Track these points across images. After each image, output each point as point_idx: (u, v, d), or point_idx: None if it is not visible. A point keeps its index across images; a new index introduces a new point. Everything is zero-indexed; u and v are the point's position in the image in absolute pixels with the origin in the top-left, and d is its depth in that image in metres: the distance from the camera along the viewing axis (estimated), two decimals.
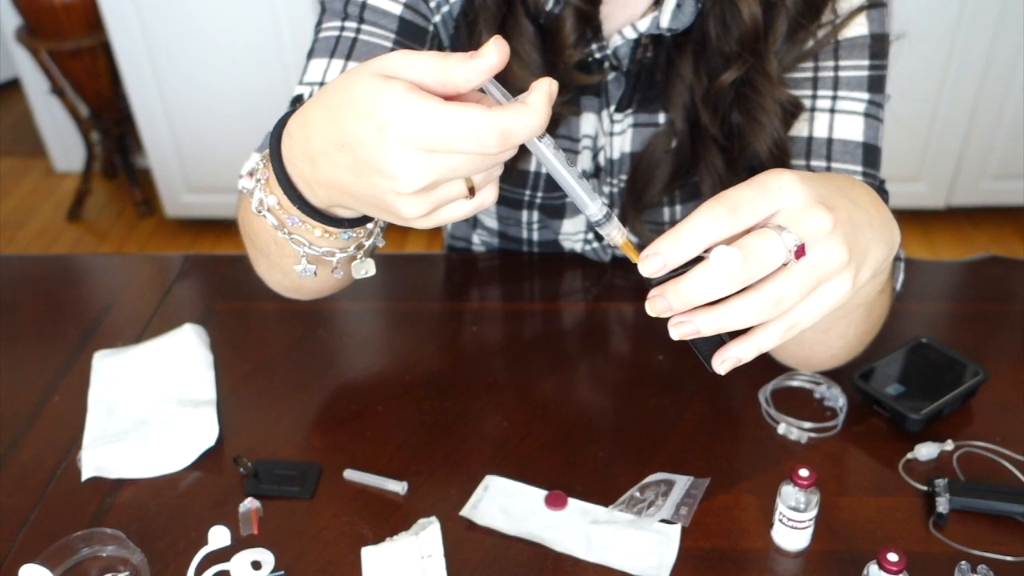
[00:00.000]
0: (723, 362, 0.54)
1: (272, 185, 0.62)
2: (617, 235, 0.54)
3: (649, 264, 0.50)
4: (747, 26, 0.81)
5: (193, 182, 2.73)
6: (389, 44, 0.84)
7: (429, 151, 0.49)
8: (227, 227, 2.80)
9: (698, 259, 0.51)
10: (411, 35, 0.86)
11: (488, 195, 0.55)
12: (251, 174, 0.65)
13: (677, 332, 0.52)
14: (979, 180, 2.61)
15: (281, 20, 2.41)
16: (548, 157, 0.52)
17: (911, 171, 2.59)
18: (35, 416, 0.91)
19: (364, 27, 0.84)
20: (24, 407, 0.92)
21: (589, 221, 0.54)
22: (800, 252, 0.51)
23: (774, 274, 0.51)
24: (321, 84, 0.83)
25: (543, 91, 0.49)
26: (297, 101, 0.85)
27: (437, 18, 0.87)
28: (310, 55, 0.86)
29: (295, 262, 0.68)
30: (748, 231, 0.51)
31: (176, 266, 1.13)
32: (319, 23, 0.87)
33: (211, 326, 1.01)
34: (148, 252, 2.73)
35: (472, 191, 0.54)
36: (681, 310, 0.51)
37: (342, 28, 0.85)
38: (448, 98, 0.49)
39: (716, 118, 0.88)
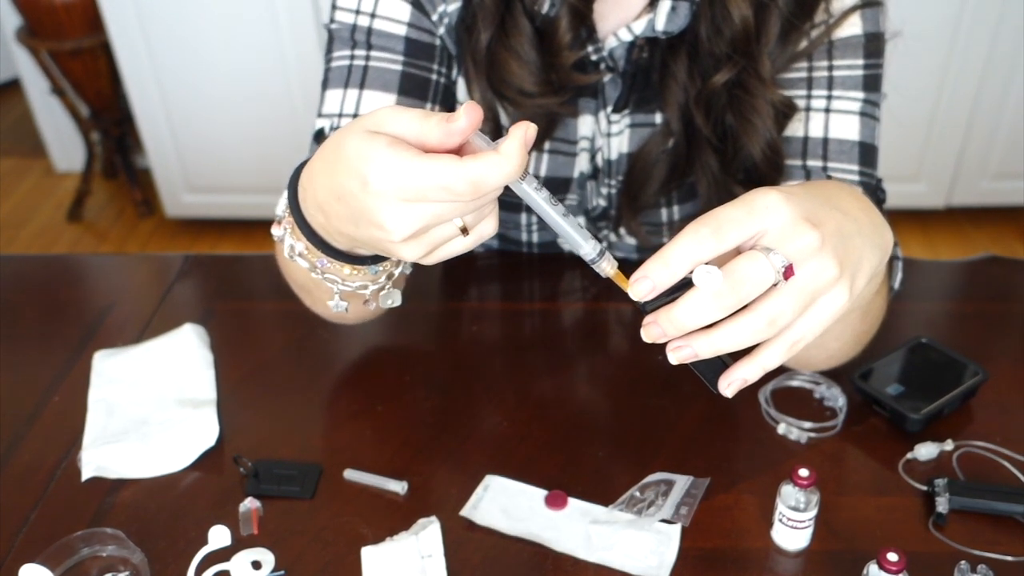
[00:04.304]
0: (729, 384, 0.55)
1: (297, 232, 0.65)
2: (608, 267, 0.55)
3: (639, 288, 0.51)
4: (738, 28, 0.81)
5: (193, 182, 2.73)
6: (398, 67, 0.86)
7: (409, 201, 0.51)
8: (227, 227, 2.80)
9: (691, 283, 0.51)
10: (419, 54, 0.87)
11: (486, 228, 0.57)
12: (279, 222, 0.68)
13: (675, 357, 0.53)
14: (979, 180, 2.61)
15: (281, 20, 2.41)
16: (532, 198, 0.53)
17: (911, 171, 2.59)
18: (35, 416, 0.91)
19: (373, 53, 0.85)
20: (24, 407, 0.92)
21: (583, 259, 0.55)
22: (789, 272, 0.51)
23: (767, 294, 0.51)
24: (340, 116, 0.85)
25: (517, 138, 0.50)
26: (319, 135, 0.86)
27: (442, 30, 0.87)
28: (325, 85, 0.88)
29: (331, 298, 0.71)
30: (737, 252, 0.52)
31: (176, 266, 1.13)
32: (328, 52, 0.88)
33: (211, 326, 1.01)
34: (148, 252, 2.73)
35: (465, 230, 0.55)
36: (675, 336, 0.52)
37: (352, 57, 0.86)
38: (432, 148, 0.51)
39: (709, 120, 0.88)
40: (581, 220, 1.01)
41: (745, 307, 0.51)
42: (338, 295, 0.70)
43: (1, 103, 3.60)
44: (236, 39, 2.46)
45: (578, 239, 0.54)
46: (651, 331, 0.52)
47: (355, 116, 0.84)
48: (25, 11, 2.59)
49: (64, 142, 3.12)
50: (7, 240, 2.85)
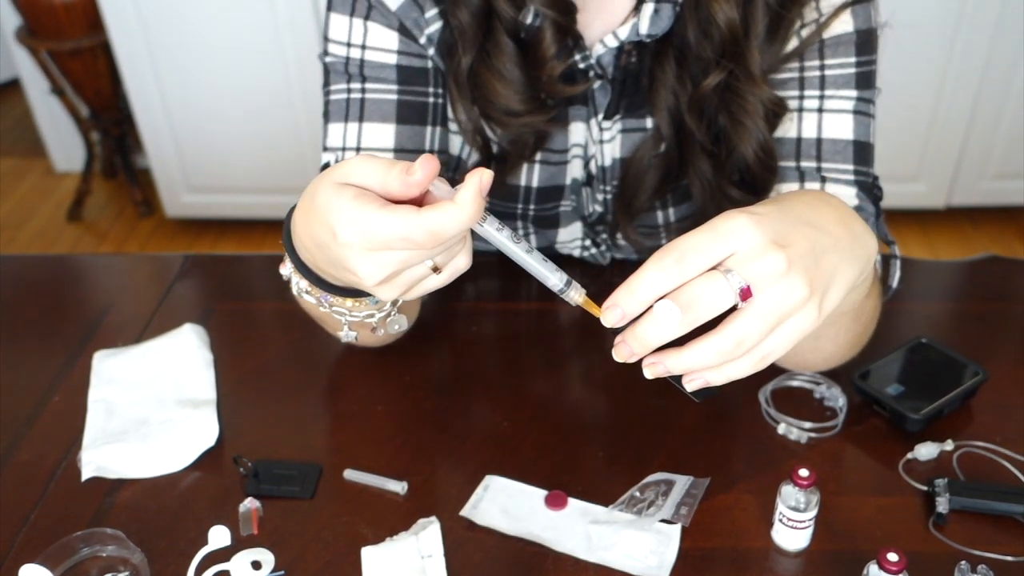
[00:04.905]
0: (691, 380, 0.56)
1: (298, 271, 0.68)
2: (577, 296, 0.58)
3: (609, 316, 0.54)
4: (724, 31, 0.81)
5: (193, 182, 2.73)
6: (394, 96, 0.87)
7: (375, 251, 0.55)
8: (227, 227, 2.80)
9: None
10: (413, 80, 0.87)
11: (459, 263, 0.60)
12: (284, 261, 0.71)
13: (650, 372, 0.56)
14: (979, 180, 2.61)
15: (281, 20, 2.41)
16: (495, 238, 0.56)
17: (911, 171, 2.59)
18: (35, 416, 0.91)
19: (368, 85, 0.86)
20: (24, 407, 0.92)
21: (552, 291, 0.58)
22: (746, 293, 0.52)
23: (734, 316, 0.53)
24: (343, 149, 0.87)
25: (472, 187, 0.53)
26: (325, 168, 0.87)
27: (431, 51, 0.87)
28: (326, 119, 0.89)
29: (341, 329, 0.75)
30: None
31: (176, 266, 1.13)
32: (326, 84, 0.89)
33: (211, 326, 1.01)
34: (148, 252, 2.73)
35: (437, 269, 0.58)
36: (644, 354, 0.54)
37: (348, 90, 0.87)
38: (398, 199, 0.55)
39: (701, 123, 0.87)
40: (578, 225, 1.01)
41: (715, 328, 0.53)
42: (347, 325, 0.74)
43: (1, 103, 3.60)
44: (236, 39, 2.46)
45: (544, 272, 0.57)
46: (621, 350, 0.55)
47: (358, 148, 0.87)
48: (25, 11, 2.59)
49: (64, 142, 3.12)
50: (7, 240, 2.85)
